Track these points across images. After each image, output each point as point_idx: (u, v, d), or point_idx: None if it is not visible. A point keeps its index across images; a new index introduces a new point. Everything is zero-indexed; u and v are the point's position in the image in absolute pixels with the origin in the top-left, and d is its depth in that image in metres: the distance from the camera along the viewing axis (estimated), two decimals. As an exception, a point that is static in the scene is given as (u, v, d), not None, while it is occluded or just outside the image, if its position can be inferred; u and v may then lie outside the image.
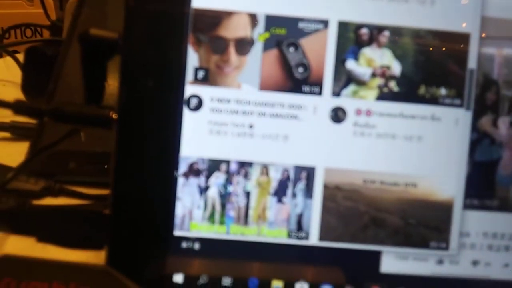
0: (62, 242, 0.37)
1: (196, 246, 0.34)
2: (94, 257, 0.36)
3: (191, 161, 0.33)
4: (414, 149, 0.34)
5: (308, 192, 0.34)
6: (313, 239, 0.34)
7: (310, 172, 0.34)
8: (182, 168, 0.33)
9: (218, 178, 0.34)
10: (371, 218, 0.34)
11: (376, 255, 0.34)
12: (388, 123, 0.34)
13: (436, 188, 0.34)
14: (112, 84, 0.35)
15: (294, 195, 0.34)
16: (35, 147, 0.47)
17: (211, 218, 0.34)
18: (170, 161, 0.33)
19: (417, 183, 0.34)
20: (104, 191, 0.43)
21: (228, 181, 0.34)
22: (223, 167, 0.33)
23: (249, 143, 0.33)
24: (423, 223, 0.34)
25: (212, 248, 0.34)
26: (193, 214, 0.34)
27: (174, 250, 0.34)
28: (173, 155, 0.33)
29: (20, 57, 0.68)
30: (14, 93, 0.62)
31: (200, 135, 0.33)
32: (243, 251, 0.34)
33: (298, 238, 0.34)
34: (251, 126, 0.33)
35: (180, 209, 0.33)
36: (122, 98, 0.33)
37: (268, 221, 0.34)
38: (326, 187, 0.34)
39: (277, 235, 0.34)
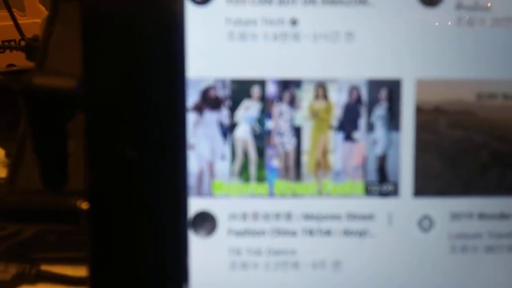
0: None
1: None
2: None
3: (205, 86, 0.21)
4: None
5: (393, 120, 0.21)
6: (405, 194, 0.22)
7: (393, 88, 0.21)
8: (192, 97, 0.21)
9: (249, 110, 0.21)
10: (492, 153, 0.22)
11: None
12: (509, 4, 0.22)
13: None
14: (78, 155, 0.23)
15: (370, 126, 0.21)
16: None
17: (243, 172, 0.22)
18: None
19: (561, 93, 0.22)
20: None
21: (266, 112, 0.21)
22: (256, 91, 0.21)
23: (292, 50, 0.21)
24: None
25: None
26: (215, 169, 0.21)
27: None
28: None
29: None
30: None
31: (214, 41, 0.21)
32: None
33: (381, 193, 0.22)
34: (294, 22, 0.21)
35: (194, 162, 0.21)
36: (92, 178, 0.21)
37: (333, 170, 0.22)
38: (420, 110, 0.21)
39: (349, 191, 0.22)
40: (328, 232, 0.22)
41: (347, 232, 0.22)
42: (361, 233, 0.22)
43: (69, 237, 0.37)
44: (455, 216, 0.22)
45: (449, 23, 0.21)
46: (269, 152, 0.21)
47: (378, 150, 0.21)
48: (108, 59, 0.21)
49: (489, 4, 0.21)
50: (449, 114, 0.21)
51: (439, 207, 0.22)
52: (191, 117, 0.21)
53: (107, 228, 0.22)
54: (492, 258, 0.22)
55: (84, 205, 0.22)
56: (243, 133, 0.21)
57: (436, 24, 0.21)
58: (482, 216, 0.22)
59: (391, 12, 0.21)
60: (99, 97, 0.21)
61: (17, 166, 0.36)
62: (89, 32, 0.21)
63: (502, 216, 0.22)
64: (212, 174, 0.21)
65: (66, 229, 0.37)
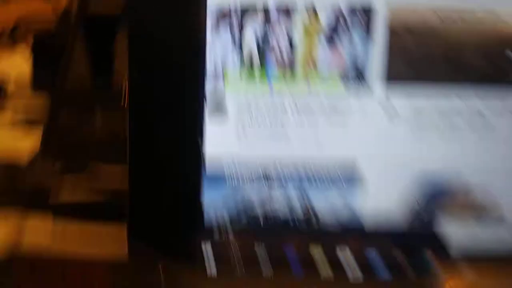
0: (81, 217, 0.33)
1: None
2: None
3: (219, 6, 0.27)
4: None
5: (369, 34, 0.27)
6: (377, 91, 0.28)
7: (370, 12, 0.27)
8: (210, 18, 0.27)
9: (256, 27, 0.27)
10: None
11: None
12: None
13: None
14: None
15: (351, 43, 0.27)
16: (48, 134, 0.40)
17: (249, 73, 0.28)
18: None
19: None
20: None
21: (269, 29, 0.27)
22: (260, 12, 0.27)
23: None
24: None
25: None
26: (227, 68, 0.28)
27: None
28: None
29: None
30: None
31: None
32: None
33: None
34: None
35: (212, 64, 0.28)
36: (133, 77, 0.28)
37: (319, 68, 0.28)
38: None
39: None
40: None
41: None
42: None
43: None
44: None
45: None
46: (269, 56, 0.28)
47: (357, 59, 0.28)
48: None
49: None
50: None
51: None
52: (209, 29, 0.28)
53: (143, 105, 0.28)
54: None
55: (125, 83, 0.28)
56: (249, 44, 0.27)
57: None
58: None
59: None
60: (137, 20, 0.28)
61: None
62: None
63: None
64: (224, 75, 0.28)
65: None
